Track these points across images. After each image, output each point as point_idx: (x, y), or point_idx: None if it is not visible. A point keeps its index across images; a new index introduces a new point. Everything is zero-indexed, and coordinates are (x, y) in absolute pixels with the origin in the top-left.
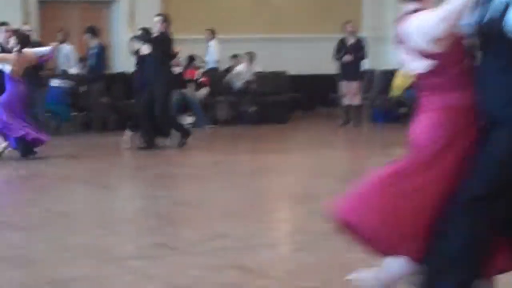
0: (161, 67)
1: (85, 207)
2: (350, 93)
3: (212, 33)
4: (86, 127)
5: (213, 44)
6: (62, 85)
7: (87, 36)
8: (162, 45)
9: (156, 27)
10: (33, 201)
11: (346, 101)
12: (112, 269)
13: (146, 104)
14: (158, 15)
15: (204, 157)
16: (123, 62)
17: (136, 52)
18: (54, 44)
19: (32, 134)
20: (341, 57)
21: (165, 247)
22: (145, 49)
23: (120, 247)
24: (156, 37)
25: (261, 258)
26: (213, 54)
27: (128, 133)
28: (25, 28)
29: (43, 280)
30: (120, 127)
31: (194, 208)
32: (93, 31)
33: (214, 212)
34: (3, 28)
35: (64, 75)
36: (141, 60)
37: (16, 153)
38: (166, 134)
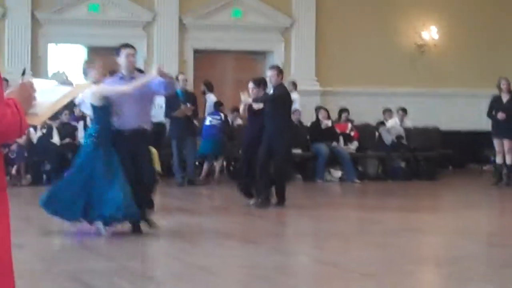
0: (282, 122)
1: (225, 261)
2: (503, 151)
3: (294, 85)
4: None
5: (294, 96)
6: (214, 122)
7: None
8: (282, 99)
9: (271, 80)
10: (175, 253)
11: (498, 159)
12: None
13: (263, 161)
14: (272, 67)
15: (350, 213)
16: None
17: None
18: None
19: None
20: (495, 115)
21: None
22: (258, 105)
23: None
24: (275, 91)
25: None
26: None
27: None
28: (181, 77)
29: None
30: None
31: (333, 267)
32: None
33: (353, 272)
34: None
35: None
36: (253, 114)
37: (167, 203)
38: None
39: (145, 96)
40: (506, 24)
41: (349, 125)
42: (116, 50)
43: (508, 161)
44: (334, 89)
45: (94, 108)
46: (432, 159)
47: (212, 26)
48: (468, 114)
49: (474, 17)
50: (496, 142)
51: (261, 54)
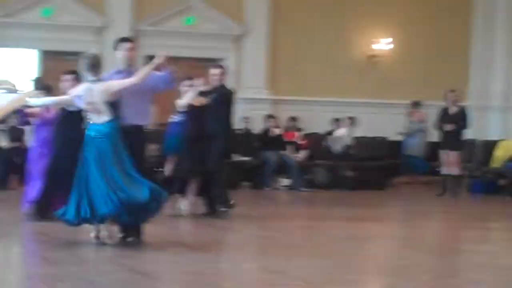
0: (221, 123)
1: (169, 268)
2: (449, 162)
3: None
4: None
5: None
6: (176, 119)
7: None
8: (225, 98)
9: (214, 80)
10: (118, 259)
11: (445, 170)
12: None
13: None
14: (218, 66)
15: (296, 221)
16: None
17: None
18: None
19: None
20: (442, 126)
21: None
22: (200, 100)
23: None
24: (217, 89)
25: None
26: None
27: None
28: None
29: None
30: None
31: (277, 275)
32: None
33: (297, 280)
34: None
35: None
36: (193, 113)
37: None
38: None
39: (144, 92)
40: (456, 37)
41: (297, 133)
42: (114, 45)
43: (454, 172)
44: (285, 97)
45: (109, 104)
46: (381, 169)
47: (165, 33)
48: None
49: (425, 30)
50: (442, 154)
51: (214, 62)
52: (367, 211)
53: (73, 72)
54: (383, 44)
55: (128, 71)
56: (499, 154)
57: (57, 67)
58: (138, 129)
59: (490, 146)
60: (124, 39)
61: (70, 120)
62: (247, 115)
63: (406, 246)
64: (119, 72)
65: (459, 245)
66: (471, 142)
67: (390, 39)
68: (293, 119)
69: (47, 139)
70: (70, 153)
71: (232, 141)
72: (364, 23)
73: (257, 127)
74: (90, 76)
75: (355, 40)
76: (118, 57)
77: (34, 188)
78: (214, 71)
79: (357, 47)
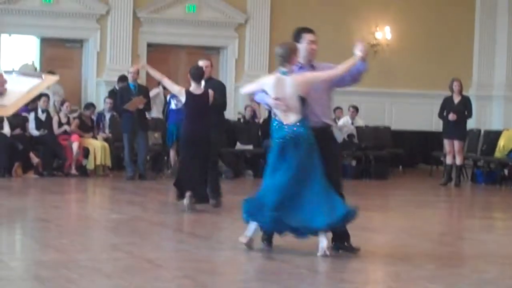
0: (217, 116)
1: (174, 255)
2: (453, 152)
3: None
4: None
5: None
6: (180, 105)
7: None
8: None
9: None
10: (124, 246)
11: (448, 160)
12: None
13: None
14: (206, 59)
15: None
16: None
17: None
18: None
19: None
20: (446, 115)
21: None
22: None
23: None
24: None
25: None
26: None
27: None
28: (131, 70)
29: None
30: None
31: (280, 262)
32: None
33: (300, 268)
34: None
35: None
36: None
37: (117, 196)
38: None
39: (328, 87)
40: (459, 26)
41: None
42: (295, 35)
43: (457, 162)
44: None
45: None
46: (383, 158)
47: (166, 20)
48: (420, 115)
49: (428, 18)
50: (446, 143)
51: (215, 50)
52: (370, 200)
53: None
54: (386, 33)
55: (309, 66)
56: (503, 144)
57: (57, 55)
58: (327, 129)
59: (493, 135)
60: (306, 30)
61: None
62: (249, 103)
63: (410, 236)
64: (301, 67)
65: (464, 235)
66: (475, 132)
67: (392, 28)
68: None
69: None
70: None
71: (225, 133)
72: (366, 11)
73: (259, 115)
74: (282, 67)
75: (356, 28)
76: (299, 49)
77: None
78: (201, 63)
79: (359, 35)
